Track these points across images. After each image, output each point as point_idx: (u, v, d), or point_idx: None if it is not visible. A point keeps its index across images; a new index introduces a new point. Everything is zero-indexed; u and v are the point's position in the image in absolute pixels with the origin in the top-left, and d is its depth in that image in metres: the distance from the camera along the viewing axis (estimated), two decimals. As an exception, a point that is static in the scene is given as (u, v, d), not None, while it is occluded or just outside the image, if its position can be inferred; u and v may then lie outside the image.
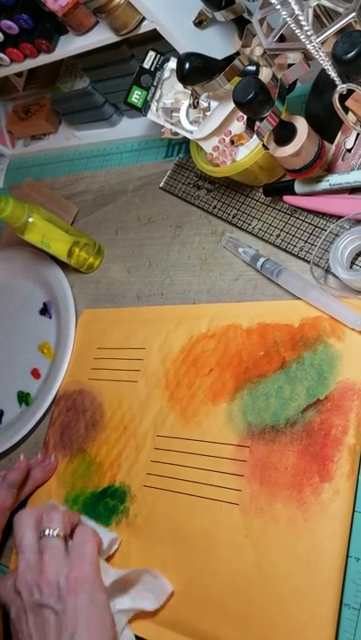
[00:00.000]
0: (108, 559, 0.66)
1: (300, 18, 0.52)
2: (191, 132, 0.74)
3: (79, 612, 0.54)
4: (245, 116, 0.68)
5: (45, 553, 0.58)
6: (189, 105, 0.73)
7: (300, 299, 0.65)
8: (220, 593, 0.58)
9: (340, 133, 0.68)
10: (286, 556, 0.56)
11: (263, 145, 0.63)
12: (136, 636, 0.60)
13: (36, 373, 0.89)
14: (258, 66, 0.64)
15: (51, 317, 0.92)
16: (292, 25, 0.54)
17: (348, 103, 0.61)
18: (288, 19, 0.54)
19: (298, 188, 0.69)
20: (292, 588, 0.54)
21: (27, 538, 0.60)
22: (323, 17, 0.57)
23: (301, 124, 0.62)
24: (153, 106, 0.77)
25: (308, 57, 0.57)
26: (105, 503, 0.70)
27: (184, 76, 0.65)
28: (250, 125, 0.63)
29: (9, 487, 0.74)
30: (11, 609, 0.59)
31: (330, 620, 0.51)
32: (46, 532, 0.59)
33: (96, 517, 0.70)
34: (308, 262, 0.67)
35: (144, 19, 0.73)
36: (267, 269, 0.69)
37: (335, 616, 0.52)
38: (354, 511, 0.55)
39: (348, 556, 0.54)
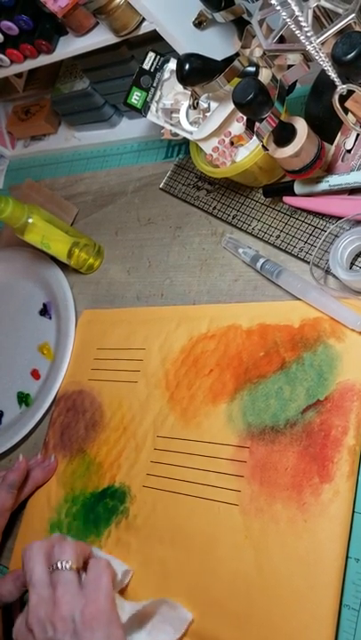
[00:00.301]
0: (122, 592, 0.64)
1: (300, 19, 0.53)
2: (191, 133, 0.74)
3: None
4: (245, 117, 0.68)
5: (58, 587, 0.55)
6: (189, 106, 0.73)
7: (300, 299, 0.65)
8: (220, 593, 0.58)
9: (339, 134, 0.68)
10: (286, 557, 0.56)
11: (263, 146, 0.63)
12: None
13: (35, 374, 0.89)
14: (257, 67, 0.64)
15: (50, 318, 0.92)
16: (292, 26, 0.54)
17: (348, 104, 0.61)
18: (288, 20, 0.54)
19: (298, 188, 0.69)
20: (292, 588, 0.54)
21: (37, 572, 0.57)
22: (322, 18, 0.58)
23: (301, 125, 0.62)
24: (153, 107, 0.77)
25: (307, 58, 0.57)
26: (105, 504, 0.70)
27: (184, 77, 0.65)
28: (249, 126, 0.63)
29: (9, 488, 0.73)
30: None
31: (330, 621, 0.51)
32: (58, 564, 0.56)
33: (96, 518, 0.70)
34: (308, 263, 0.67)
35: (144, 20, 0.73)
36: (267, 270, 0.69)
37: (335, 617, 0.52)
38: (354, 512, 0.55)
39: (347, 557, 0.54)
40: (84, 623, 0.52)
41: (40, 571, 0.57)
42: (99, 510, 0.71)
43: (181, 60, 0.65)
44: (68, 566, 0.56)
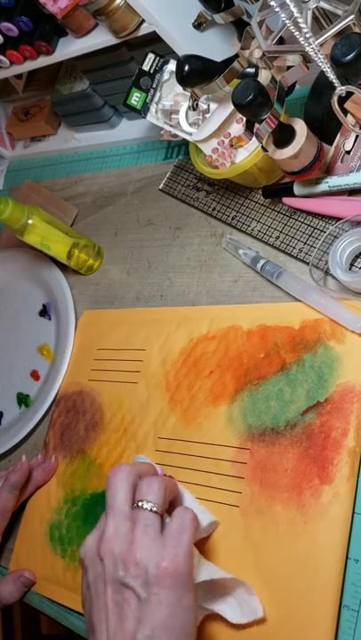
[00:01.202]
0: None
1: (299, 20, 0.53)
2: (190, 134, 0.74)
3: (163, 608, 0.49)
4: (244, 118, 0.68)
5: (138, 526, 0.52)
6: (189, 107, 0.73)
7: (300, 301, 0.65)
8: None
9: (338, 135, 0.68)
10: (286, 559, 0.56)
11: (262, 147, 0.63)
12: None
13: (35, 375, 0.89)
14: (257, 68, 0.64)
15: (50, 319, 0.92)
16: (291, 27, 0.54)
17: (347, 105, 0.61)
18: (287, 21, 0.54)
19: (297, 189, 0.69)
20: (292, 590, 0.54)
21: (119, 500, 0.53)
22: (321, 19, 0.57)
23: (300, 127, 0.62)
24: (152, 108, 0.77)
25: (306, 59, 0.57)
26: (105, 505, 0.70)
27: (183, 78, 0.66)
28: (249, 127, 0.63)
29: (11, 489, 0.73)
30: (88, 570, 0.53)
31: (329, 623, 0.51)
32: (143, 503, 0.53)
33: (96, 519, 0.70)
34: (308, 264, 0.68)
35: (143, 21, 0.73)
36: (267, 271, 0.69)
37: (334, 618, 0.52)
38: (354, 513, 0.55)
39: (347, 558, 0.54)
40: (156, 576, 0.49)
41: (122, 499, 0.54)
42: (99, 511, 0.70)
43: (181, 62, 0.65)
44: (153, 508, 0.53)
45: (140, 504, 0.53)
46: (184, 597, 0.49)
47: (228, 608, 0.56)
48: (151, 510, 0.53)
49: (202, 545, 0.61)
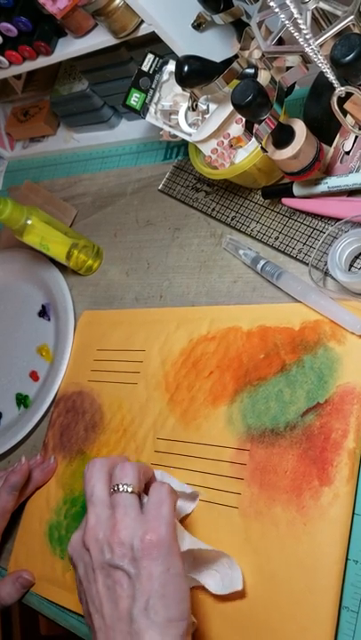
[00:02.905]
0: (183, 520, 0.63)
1: (299, 21, 0.53)
2: (190, 135, 0.74)
3: (155, 579, 0.49)
4: (244, 119, 0.68)
5: (118, 509, 0.53)
6: (188, 107, 0.73)
7: (300, 302, 0.65)
8: (218, 596, 0.58)
9: (338, 136, 0.68)
10: (286, 560, 0.56)
11: (262, 148, 0.63)
12: None
13: (34, 376, 0.89)
14: (256, 68, 0.64)
15: (49, 320, 0.92)
16: (291, 28, 0.54)
17: (347, 106, 0.61)
18: (286, 22, 0.54)
19: (296, 190, 0.69)
20: (292, 591, 0.54)
21: (97, 490, 0.55)
22: (321, 20, 0.58)
23: (300, 127, 0.62)
24: (152, 108, 0.77)
25: (306, 60, 0.57)
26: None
27: (183, 79, 0.66)
28: (248, 128, 0.63)
29: (10, 490, 0.73)
30: (78, 565, 0.55)
31: (329, 624, 0.51)
32: (119, 487, 0.54)
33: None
34: (307, 264, 0.67)
35: (143, 21, 0.72)
36: (267, 272, 0.69)
37: (334, 620, 0.52)
38: (353, 514, 0.55)
39: (346, 559, 0.54)
40: (142, 550, 0.50)
41: (100, 489, 0.55)
42: (98, 512, 0.70)
43: (180, 62, 0.65)
44: (129, 489, 0.54)
45: (116, 488, 0.55)
46: (173, 565, 0.50)
47: (211, 580, 0.58)
48: (128, 492, 0.54)
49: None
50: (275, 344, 0.65)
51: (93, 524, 0.53)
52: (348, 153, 0.67)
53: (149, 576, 0.49)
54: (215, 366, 0.69)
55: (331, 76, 0.55)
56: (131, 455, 0.71)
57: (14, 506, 0.74)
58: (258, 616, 0.55)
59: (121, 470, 0.56)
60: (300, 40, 0.54)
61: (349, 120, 0.62)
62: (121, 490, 0.54)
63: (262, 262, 0.69)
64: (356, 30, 0.53)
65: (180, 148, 0.89)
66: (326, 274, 0.66)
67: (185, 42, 0.74)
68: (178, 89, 0.75)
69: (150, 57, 0.76)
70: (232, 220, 0.77)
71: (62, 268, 0.91)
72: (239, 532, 0.59)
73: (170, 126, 0.76)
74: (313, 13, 0.55)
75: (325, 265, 0.65)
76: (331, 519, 0.55)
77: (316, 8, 0.55)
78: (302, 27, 0.53)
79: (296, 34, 0.54)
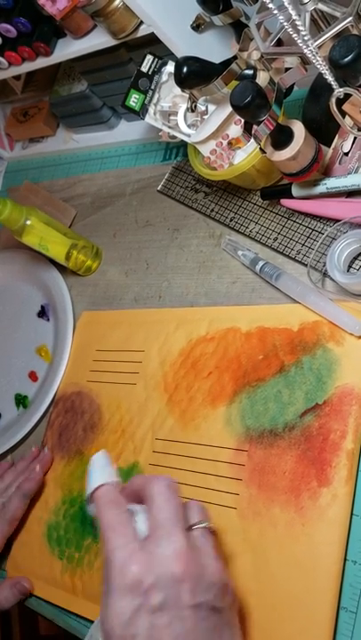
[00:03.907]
0: None
1: (298, 22, 0.53)
2: (189, 136, 0.74)
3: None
4: (243, 120, 0.68)
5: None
6: (187, 108, 0.73)
7: (298, 302, 0.65)
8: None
9: (337, 137, 0.68)
10: (284, 561, 0.56)
11: (260, 149, 0.63)
12: None
13: (33, 376, 0.89)
14: (255, 70, 0.64)
15: (48, 320, 0.92)
16: (290, 29, 0.54)
17: (346, 107, 0.61)
18: (285, 23, 0.54)
19: (295, 191, 0.69)
20: (290, 592, 0.54)
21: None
22: (320, 21, 0.57)
23: (298, 128, 0.62)
24: (151, 109, 0.77)
25: (305, 61, 0.57)
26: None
27: (182, 80, 0.66)
28: (247, 129, 0.63)
29: (23, 497, 0.73)
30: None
31: (327, 625, 0.51)
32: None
33: (93, 520, 0.70)
34: (306, 265, 0.68)
35: (142, 22, 0.73)
36: (266, 273, 0.69)
37: (332, 621, 0.52)
38: (352, 515, 0.55)
39: (345, 560, 0.54)
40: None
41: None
42: (97, 513, 0.70)
43: (179, 63, 0.65)
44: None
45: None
46: None
47: None
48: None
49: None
50: (273, 345, 0.65)
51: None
52: (346, 154, 0.67)
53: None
54: (214, 367, 0.69)
55: (329, 78, 0.55)
56: (129, 456, 0.71)
57: (23, 513, 0.74)
58: (256, 617, 0.55)
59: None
60: (299, 41, 0.54)
61: (348, 121, 0.62)
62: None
63: (261, 263, 0.69)
64: (354, 31, 0.53)
65: (180, 149, 0.89)
66: (325, 275, 0.66)
67: (184, 43, 0.74)
68: (177, 90, 0.75)
69: (149, 58, 0.76)
70: (231, 220, 0.77)
71: (61, 269, 0.91)
72: (237, 533, 0.59)
73: (169, 127, 0.76)
74: (312, 15, 0.55)
75: (324, 266, 0.65)
76: (329, 520, 0.55)
77: (314, 9, 0.55)
78: (301, 28, 0.53)
79: (295, 35, 0.54)
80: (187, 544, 0.47)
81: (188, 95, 0.72)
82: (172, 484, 0.51)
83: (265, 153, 0.64)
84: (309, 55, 0.54)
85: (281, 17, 0.54)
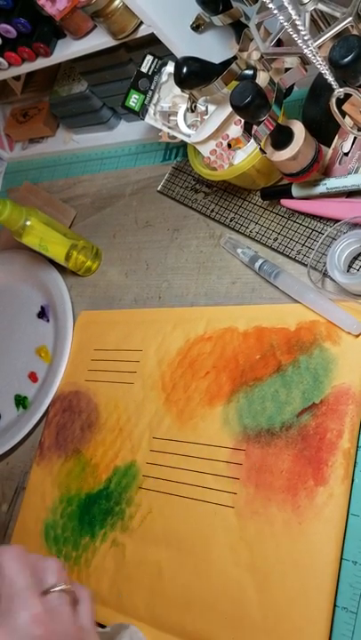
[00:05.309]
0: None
1: (298, 22, 0.53)
2: (189, 136, 0.74)
3: None
4: (243, 120, 0.68)
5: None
6: (187, 109, 0.73)
7: (297, 302, 0.65)
8: (214, 596, 0.58)
9: (337, 137, 0.68)
10: (281, 560, 0.56)
11: (260, 149, 0.63)
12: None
13: (33, 377, 0.89)
14: (255, 70, 0.64)
15: (48, 321, 0.92)
16: (290, 29, 0.54)
17: (346, 107, 0.61)
18: (285, 23, 0.54)
19: (295, 191, 0.69)
20: (286, 590, 0.54)
21: None
22: (320, 21, 0.58)
23: (298, 128, 0.62)
24: (151, 109, 0.77)
25: (305, 61, 0.57)
26: (100, 505, 0.70)
27: (182, 80, 0.66)
28: (247, 129, 0.63)
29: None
30: None
31: (323, 624, 0.51)
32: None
33: (91, 519, 0.70)
34: (306, 266, 0.68)
35: (142, 23, 0.73)
36: (265, 271, 0.69)
37: (329, 619, 0.52)
38: (348, 514, 0.55)
39: (344, 559, 0.54)
40: None
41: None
42: (94, 511, 0.70)
43: (179, 63, 0.65)
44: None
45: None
46: None
47: None
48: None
49: (197, 546, 0.61)
50: (271, 344, 0.65)
51: None
52: (346, 154, 0.67)
53: None
54: (211, 366, 0.69)
55: (329, 78, 0.55)
56: (127, 454, 0.71)
57: None
58: (252, 615, 0.55)
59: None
60: (299, 41, 0.54)
61: (348, 121, 0.63)
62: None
63: (260, 261, 0.69)
64: (354, 32, 0.53)
65: (179, 150, 0.89)
66: (325, 275, 0.66)
67: (184, 43, 0.74)
68: (177, 90, 0.75)
69: (149, 58, 0.76)
70: (231, 221, 0.77)
71: (61, 269, 0.91)
72: (235, 532, 0.59)
73: (169, 127, 0.76)
74: (312, 15, 0.56)
75: (324, 266, 0.65)
76: (326, 519, 0.55)
77: (314, 9, 0.55)
78: (301, 28, 0.53)
79: (295, 35, 0.54)
80: (43, 608, 0.47)
81: (187, 95, 0.72)
82: (21, 551, 0.50)
83: (265, 153, 0.64)
84: (309, 55, 0.54)
85: (281, 17, 0.54)
